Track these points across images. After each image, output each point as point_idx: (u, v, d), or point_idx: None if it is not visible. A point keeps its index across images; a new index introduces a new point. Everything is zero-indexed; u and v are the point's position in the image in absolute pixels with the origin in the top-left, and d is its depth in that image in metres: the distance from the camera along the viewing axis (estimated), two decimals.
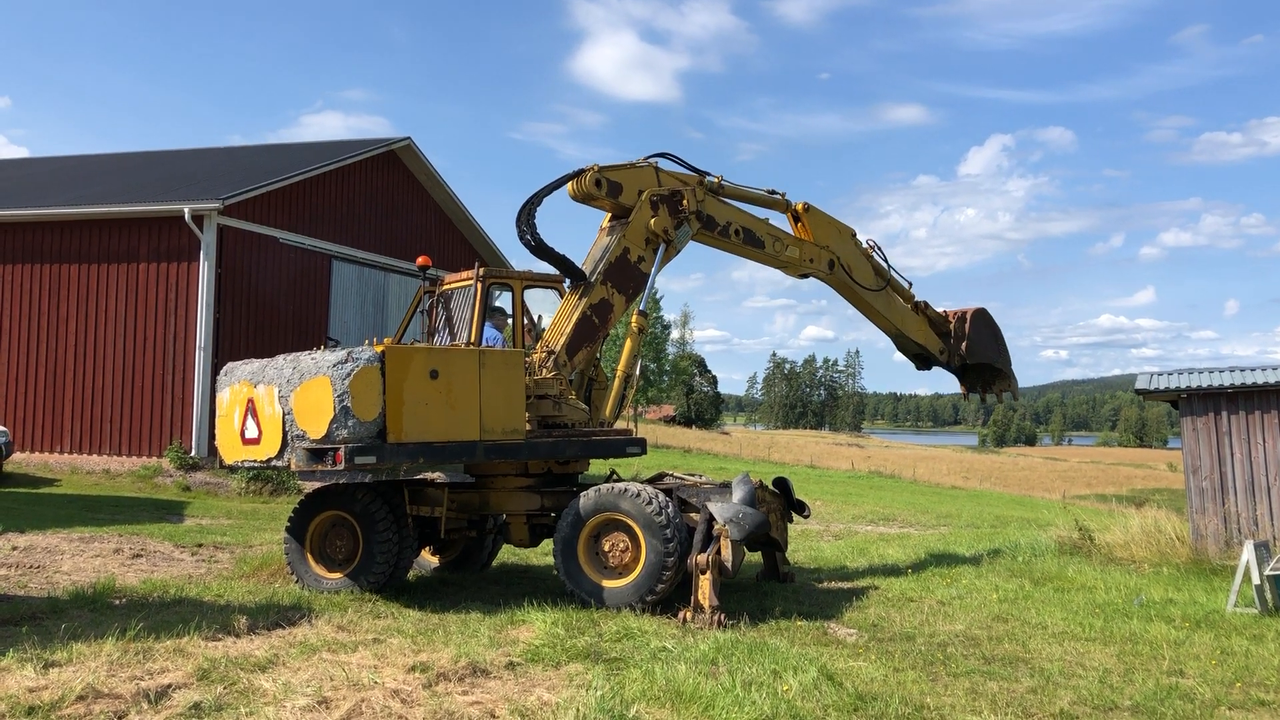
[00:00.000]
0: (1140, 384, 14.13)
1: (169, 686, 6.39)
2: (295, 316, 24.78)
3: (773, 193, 13.45)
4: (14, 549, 12.84)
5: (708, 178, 12.48)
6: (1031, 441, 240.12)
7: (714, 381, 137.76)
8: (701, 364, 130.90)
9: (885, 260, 14.33)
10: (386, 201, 28.77)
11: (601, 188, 11.34)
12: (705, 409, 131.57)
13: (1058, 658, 8.35)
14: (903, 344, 14.81)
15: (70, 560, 12.27)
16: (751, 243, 12.85)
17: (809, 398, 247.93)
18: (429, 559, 12.55)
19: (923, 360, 15.11)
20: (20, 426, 22.91)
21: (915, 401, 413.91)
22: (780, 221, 13.53)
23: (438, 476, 11.84)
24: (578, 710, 5.98)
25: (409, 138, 29.13)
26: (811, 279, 13.96)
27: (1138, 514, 14.83)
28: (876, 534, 19.39)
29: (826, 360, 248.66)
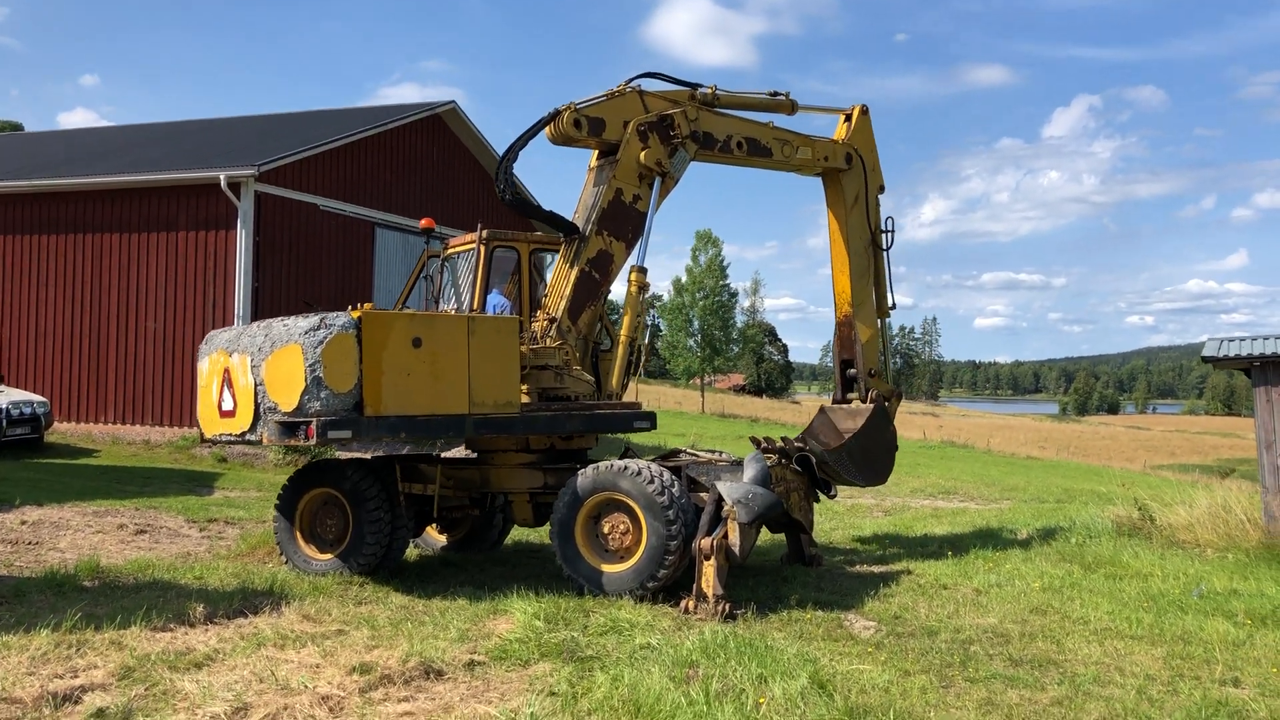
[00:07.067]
0: (1208, 351, 12.83)
1: (81, 688, 5.84)
2: (337, 285, 24.35)
3: (775, 94, 12.44)
4: (23, 523, 12.59)
5: (700, 89, 11.46)
6: (1115, 410, 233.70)
7: (785, 350, 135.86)
8: (772, 332, 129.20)
9: (889, 246, 13.16)
10: (432, 168, 28.19)
11: (581, 128, 10.37)
12: (775, 378, 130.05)
13: (1095, 660, 7.38)
14: (844, 335, 12.88)
15: (70, 537, 11.92)
16: (757, 152, 11.85)
17: (884, 366, 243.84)
18: (436, 537, 11.94)
19: (847, 378, 12.94)
20: (65, 397, 22.89)
21: (995, 369, 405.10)
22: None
23: (460, 451, 11.21)
24: None
25: (453, 102, 28.48)
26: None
27: (1205, 492, 13.62)
28: (929, 509, 18.35)
29: (903, 328, 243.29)
